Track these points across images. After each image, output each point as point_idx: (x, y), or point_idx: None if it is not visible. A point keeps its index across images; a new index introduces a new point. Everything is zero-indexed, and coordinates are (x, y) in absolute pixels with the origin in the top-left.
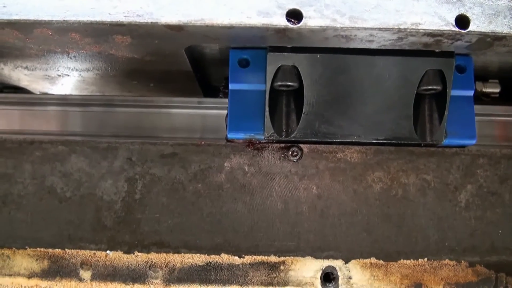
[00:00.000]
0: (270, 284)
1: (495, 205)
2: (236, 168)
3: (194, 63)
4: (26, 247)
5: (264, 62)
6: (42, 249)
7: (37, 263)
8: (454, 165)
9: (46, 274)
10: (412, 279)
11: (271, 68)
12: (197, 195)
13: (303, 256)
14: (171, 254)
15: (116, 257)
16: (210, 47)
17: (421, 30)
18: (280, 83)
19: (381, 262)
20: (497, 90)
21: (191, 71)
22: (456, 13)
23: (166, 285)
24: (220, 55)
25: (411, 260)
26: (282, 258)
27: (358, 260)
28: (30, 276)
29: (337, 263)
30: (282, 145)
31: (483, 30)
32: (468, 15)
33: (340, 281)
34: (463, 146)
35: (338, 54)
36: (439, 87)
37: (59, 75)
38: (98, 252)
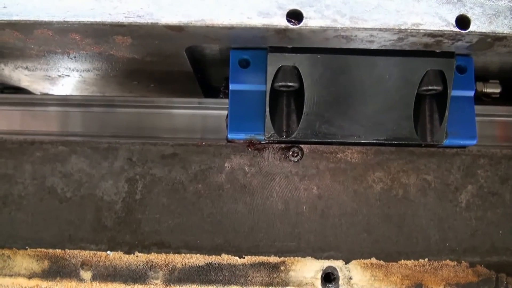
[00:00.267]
0: (271, 284)
1: (495, 206)
2: (237, 169)
3: (194, 63)
4: (27, 247)
5: (265, 62)
6: (42, 250)
7: (37, 264)
8: (454, 165)
9: (46, 275)
10: (412, 280)
11: (272, 68)
12: (198, 196)
13: (303, 256)
14: (172, 254)
15: (116, 257)
16: (210, 47)
17: (421, 31)
18: (280, 84)
19: (382, 262)
20: (498, 90)
21: (191, 71)
22: (456, 13)
23: (167, 285)
24: (221, 56)
25: (412, 260)
26: (282, 259)
27: (358, 260)
28: (31, 276)
29: (338, 264)
30: (283, 145)
31: (483, 30)
32: (468, 15)
33: (340, 282)
34: (463, 147)
35: (339, 54)
36: (439, 88)
37: (59, 76)
38: (99, 253)
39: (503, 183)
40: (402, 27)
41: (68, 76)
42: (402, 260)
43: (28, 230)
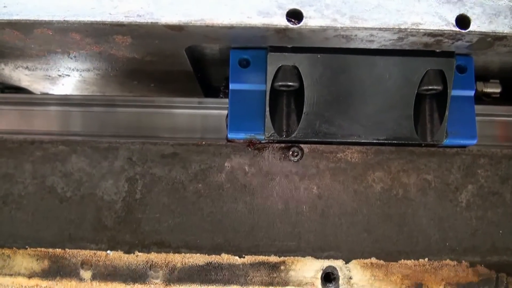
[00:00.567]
0: (271, 284)
1: (496, 205)
2: (237, 168)
3: (194, 63)
4: (27, 247)
5: (265, 62)
6: (42, 249)
7: (37, 263)
8: (455, 165)
9: (46, 274)
10: (412, 279)
11: (272, 68)
12: (198, 195)
13: (303, 256)
14: (172, 254)
15: (116, 257)
16: (210, 47)
17: (421, 30)
18: (280, 83)
19: (382, 262)
20: (498, 90)
21: (191, 71)
22: (456, 13)
23: (167, 285)
24: (221, 55)
25: (412, 260)
26: (282, 258)
27: (358, 260)
28: (31, 276)
29: (338, 263)
30: (283, 145)
31: (483, 30)
32: (468, 15)
33: (340, 281)
34: (464, 146)
35: (339, 54)
36: (439, 87)
37: (59, 75)
38: (99, 252)
39: (503, 182)
40: (402, 27)
41: (68, 75)
42: (402, 260)
43: (28, 230)
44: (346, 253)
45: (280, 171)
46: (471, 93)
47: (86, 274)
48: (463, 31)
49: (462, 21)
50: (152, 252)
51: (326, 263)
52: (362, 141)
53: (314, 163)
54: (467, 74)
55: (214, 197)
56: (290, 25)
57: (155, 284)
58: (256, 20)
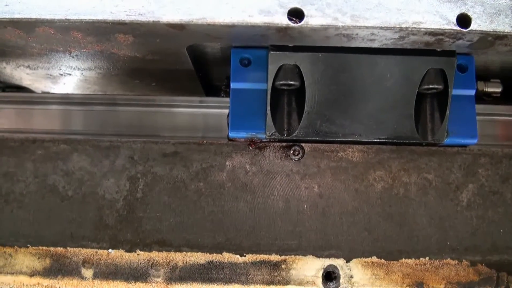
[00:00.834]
0: (272, 283)
1: (496, 205)
2: (238, 167)
3: (196, 62)
4: (28, 245)
5: (266, 61)
6: (44, 248)
7: (39, 262)
8: (455, 164)
9: (48, 273)
10: (413, 278)
11: (273, 67)
12: (199, 194)
13: (304, 255)
14: (173, 252)
15: (118, 255)
16: (211, 46)
17: (422, 29)
18: (281, 82)
19: (383, 261)
20: (499, 89)
21: (193, 70)
22: (457, 12)
23: (168, 283)
24: (222, 54)
25: (413, 259)
26: (283, 257)
27: (359, 259)
28: (32, 274)
29: (339, 262)
30: (284, 144)
31: (484, 29)
32: (469, 14)
33: (341, 280)
34: (464, 146)
35: (340, 53)
36: (440, 86)
37: (61, 74)
38: (100, 251)
39: (504, 182)
40: (403, 26)
41: (70, 74)
42: (403, 259)
43: (30, 228)
44: (347, 252)
45: (281, 170)
46: (472, 92)
47: (87, 272)
48: (464, 30)
49: (463, 20)
50: (154, 251)
51: (327, 262)
52: (363, 140)
53: (315, 162)
54: (468, 73)
55: (215, 196)
56: (291, 24)
57: (157, 282)
58: (257, 18)
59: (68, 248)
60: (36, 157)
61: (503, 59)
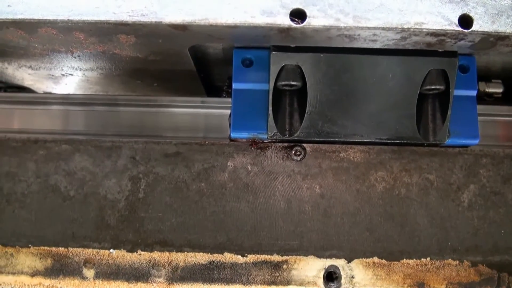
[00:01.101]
0: (273, 283)
1: (498, 205)
2: (239, 167)
3: (197, 62)
4: (30, 245)
5: (268, 61)
6: (45, 248)
7: (40, 262)
8: (457, 164)
9: (49, 273)
10: (414, 279)
11: (275, 67)
12: (200, 194)
13: (306, 255)
14: (174, 253)
15: (119, 255)
16: (213, 46)
17: (424, 30)
18: (283, 83)
19: (384, 261)
20: (500, 90)
21: (194, 70)
22: (459, 12)
23: (169, 283)
24: (224, 55)
25: (414, 259)
26: (285, 257)
27: (360, 259)
28: (34, 274)
29: (340, 262)
30: (285, 144)
31: (486, 29)
32: (471, 14)
33: (342, 280)
34: (466, 146)
35: (342, 53)
36: (442, 87)
37: (63, 75)
38: (102, 251)
39: (505, 182)
40: (405, 26)
41: (72, 75)
42: (404, 259)
43: (31, 228)
44: (348, 252)
45: (282, 171)
46: (473, 93)
47: (89, 272)
48: (465, 30)
49: (465, 20)
50: (155, 251)
51: (328, 262)
52: (365, 140)
53: (316, 163)
54: (470, 74)
55: (217, 196)
56: (294, 25)
57: (158, 283)
58: (259, 19)
59: (69, 248)
60: (38, 157)
61: (504, 60)
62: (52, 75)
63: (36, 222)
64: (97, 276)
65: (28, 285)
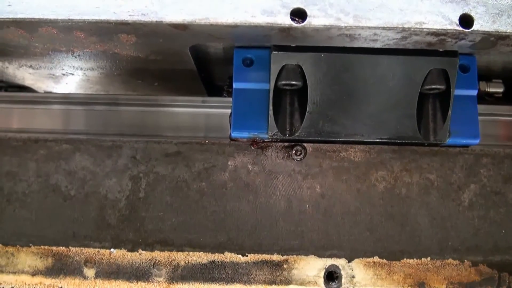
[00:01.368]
0: (273, 282)
1: (498, 205)
2: (240, 167)
3: (198, 62)
4: (30, 244)
5: (268, 61)
6: (46, 247)
7: (41, 261)
8: (457, 164)
9: (50, 272)
10: (415, 278)
11: (275, 67)
12: (201, 194)
13: (306, 254)
14: (175, 252)
15: (120, 255)
16: (214, 46)
17: (425, 29)
18: (284, 82)
19: (384, 261)
20: (501, 90)
21: (195, 70)
22: (460, 12)
23: (170, 283)
24: (224, 54)
25: (414, 259)
26: (285, 257)
27: (361, 259)
28: (34, 273)
29: (340, 262)
30: (286, 144)
31: (486, 29)
32: (472, 14)
33: (343, 280)
34: (466, 146)
35: (342, 53)
36: (442, 87)
37: (63, 74)
38: (102, 250)
39: (506, 182)
40: (406, 26)
41: (72, 74)
42: (405, 259)
43: (32, 228)
44: (349, 252)
45: (283, 170)
46: (474, 92)
47: (89, 272)
48: (466, 30)
49: (465, 20)
50: (156, 251)
51: (329, 261)
52: (365, 140)
53: (317, 162)
54: (470, 74)
55: (218, 195)
56: (294, 24)
57: (158, 282)
58: (260, 19)
59: (70, 247)
60: (38, 156)
61: (505, 59)
62: (53, 75)
63: (36, 221)
64: (97, 275)
65: (29, 284)
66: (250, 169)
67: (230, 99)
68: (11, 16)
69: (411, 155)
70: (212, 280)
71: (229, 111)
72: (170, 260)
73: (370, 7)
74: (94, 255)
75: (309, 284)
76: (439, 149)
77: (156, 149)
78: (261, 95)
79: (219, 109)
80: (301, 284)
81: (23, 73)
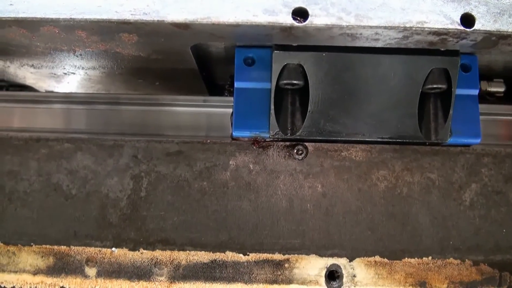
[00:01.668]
0: (275, 281)
1: (499, 204)
2: (241, 166)
3: (199, 61)
4: (32, 244)
5: (270, 60)
6: (47, 246)
7: (42, 260)
8: (458, 164)
9: (51, 271)
10: (416, 278)
11: (277, 66)
12: (202, 193)
13: (307, 254)
14: (176, 251)
15: (121, 254)
16: (215, 45)
17: (426, 29)
18: (285, 82)
19: (386, 260)
20: (502, 89)
21: (196, 69)
22: (461, 11)
23: (171, 282)
24: (226, 54)
25: (416, 258)
26: (286, 256)
27: (362, 258)
28: (36, 272)
29: (342, 261)
30: (287, 143)
31: (488, 28)
32: (473, 13)
33: (344, 279)
34: (467, 145)
35: (344, 52)
36: (444, 86)
37: (65, 73)
38: (104, 249)
39: (507, 181)
40: (407, 25)
41: (74, 73)
42: (406, 258)
43: (33, 227)
44: (350, 251)
45: (284, 169)
46: (475, 92)
47: (91, 271)
48: (467, 29)
49: (467, 19)
50: (157, 250)
51: (330, 261)
52: (367, 139)
53: (318, 162)
54: (471, 73)
55: (219, 195)
56: (296, 24)
57: (160, 281)
58: (261, 18)
59: (71, 246)
60: (40, 156)
61: (506, 59)
62: (54, 74)
63: (38, 220)
64: (99, 274)
65: (30, 283)
66: (252, 168)
67: (231, 98)
68: (12, 15)
69: (412, 154)
70: (214, 279)
71: (230, 110)
72: (171, 259)
73: (371, 7)
74: (96, 254)
75: (311, 283)
76: (440, 148)
77: (157, 148)
78: (263, 95)
79: (220, 109)
80: (303, 283)
81: (24, 72)
